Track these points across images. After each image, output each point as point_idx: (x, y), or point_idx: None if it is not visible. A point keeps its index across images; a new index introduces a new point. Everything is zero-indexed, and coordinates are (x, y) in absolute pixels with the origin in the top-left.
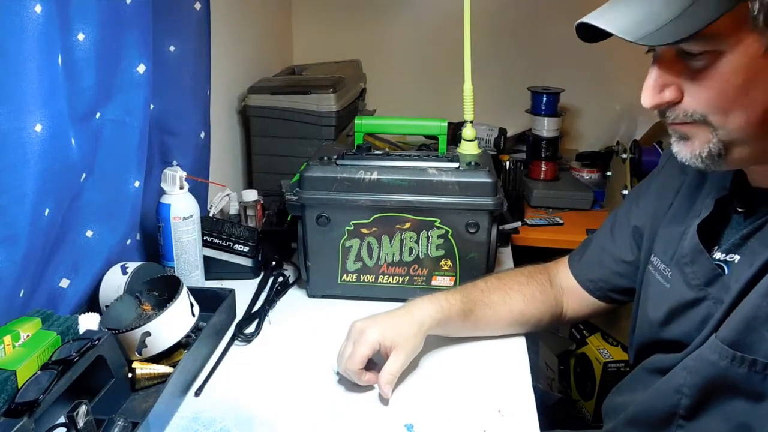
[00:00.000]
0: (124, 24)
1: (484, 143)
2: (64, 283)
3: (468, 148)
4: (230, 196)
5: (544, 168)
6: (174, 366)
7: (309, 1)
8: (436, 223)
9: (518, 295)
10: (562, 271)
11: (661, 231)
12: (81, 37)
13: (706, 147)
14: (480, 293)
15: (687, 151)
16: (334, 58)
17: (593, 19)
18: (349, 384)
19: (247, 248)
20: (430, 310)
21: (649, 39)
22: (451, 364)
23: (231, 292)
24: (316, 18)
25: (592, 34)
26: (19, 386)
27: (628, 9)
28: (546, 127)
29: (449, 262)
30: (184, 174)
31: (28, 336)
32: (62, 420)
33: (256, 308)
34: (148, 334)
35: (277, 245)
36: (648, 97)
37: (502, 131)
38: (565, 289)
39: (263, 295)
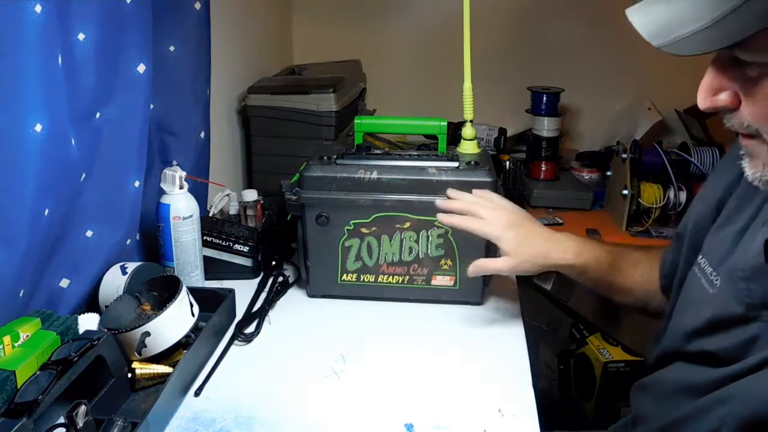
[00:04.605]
0: (124, 24)
1: (484, 143)
2: (64, 283)
3: (468, 148)
4: (230, 196)
5: (544, 168)
6: (174, 366)
7: (309, 1)
8: (436, 223)
9: (654, 275)
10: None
11: (712, 231)
12: (81, 37)
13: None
14: (631, 267)
15: (750, 170)
16: (334, 58)
17: (633, 13)
18: (348, 384)
19: (247, 248)
20: (572, 261)
21: (672, 47)
22: (451, 364)
23: (231, 292)
24: (316, 18)
25: None
26: (19, 386)
27: (668, 6)
28: (546, 127)
29: (449, 262)
30: (183, 174)
31: (27, 336)
32: (62, 420)
33: (256, 308)
34: (147, 334)
35: (277, 245)
36: (701, 99)
37: (502, 131)
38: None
39: (263, 295)
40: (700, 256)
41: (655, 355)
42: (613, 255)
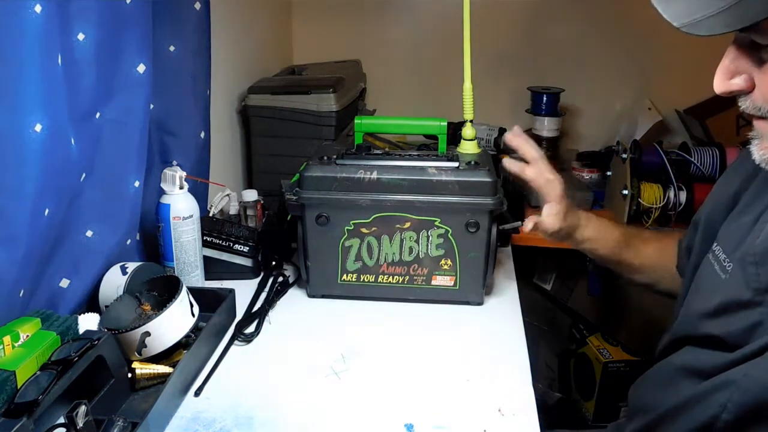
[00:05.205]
0: (124, 24)
1: (484, 143)
2: (64, 283)
3: (468, 148)
4: (230, 196)
5: None
6: (174, 366)
7: (309, 1)
8: (436, 223)
9: (669, 262)
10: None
11: (727, 221)
12: (81, 37)
13: None
14: (641, 244)
15: (758, 152)
16: (334, 58)
17: None
18: (348, 384)
19: (247, 248)
20: (591, 236)
21: (691, 28)
22: (451, 364)
23: (231, 292)
24: (316, 18)
25: None
26: (19, 386)
27: None
28: (546, 127)
29: (449, 262)
30: (183, 174)
31: (27, 336)
32: (62, 420)
33: (256, 308)
34: (147, 334)
35: (277, 245)
36: (717, 82)
37: (502, 131)
38: None
39: (263, 295)
40: (715, 244)
41: (664, 342)
42: (623, 231)
